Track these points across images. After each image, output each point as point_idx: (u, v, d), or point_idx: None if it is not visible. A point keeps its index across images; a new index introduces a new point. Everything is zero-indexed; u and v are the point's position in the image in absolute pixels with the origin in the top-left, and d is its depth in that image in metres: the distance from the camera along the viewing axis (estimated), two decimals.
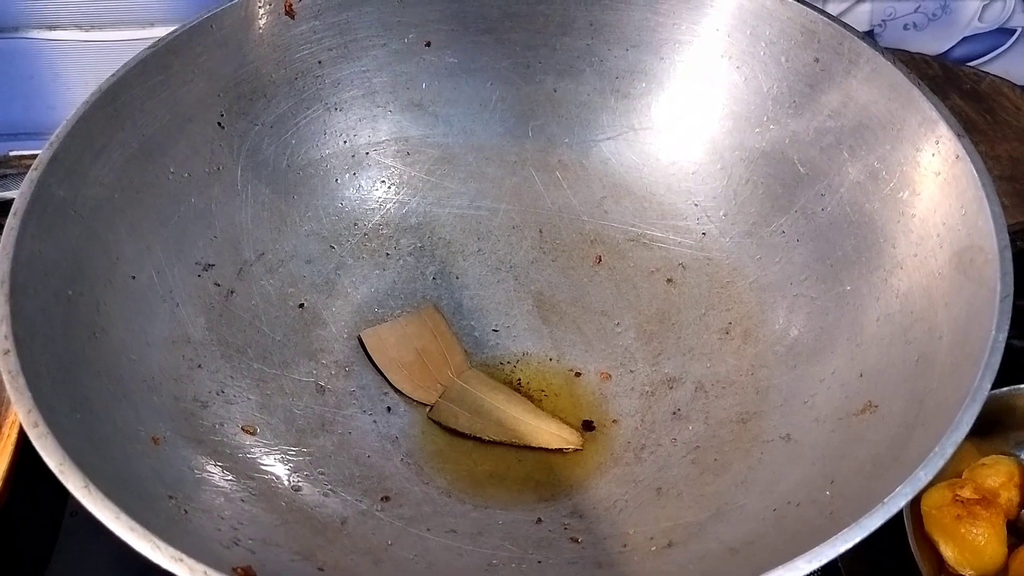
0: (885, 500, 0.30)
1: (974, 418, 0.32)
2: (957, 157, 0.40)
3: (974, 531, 0.43)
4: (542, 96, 0.53)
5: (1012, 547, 0.43)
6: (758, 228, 0.49)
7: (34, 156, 0.66)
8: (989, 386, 0.32)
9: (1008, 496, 0.45)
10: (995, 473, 0.46)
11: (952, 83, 0.68)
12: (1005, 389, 0.47)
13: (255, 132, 0.49)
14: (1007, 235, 0.37)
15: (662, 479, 0.42)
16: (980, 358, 0.33)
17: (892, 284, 0.42)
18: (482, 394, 0.46)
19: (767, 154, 0.48)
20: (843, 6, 0.70)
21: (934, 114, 0.41)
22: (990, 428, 0.47)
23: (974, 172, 0.39)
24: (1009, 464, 0.46)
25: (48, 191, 0.39)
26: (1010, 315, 0.34)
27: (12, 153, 0.67)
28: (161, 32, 0.64)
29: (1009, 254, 0.36)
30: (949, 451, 0.31)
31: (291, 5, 0.48)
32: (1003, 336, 0.34)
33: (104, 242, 0.41)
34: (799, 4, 0.46)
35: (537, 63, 0.52)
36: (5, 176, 0.64)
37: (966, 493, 0.44)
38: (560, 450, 0.45)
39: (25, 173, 0.65)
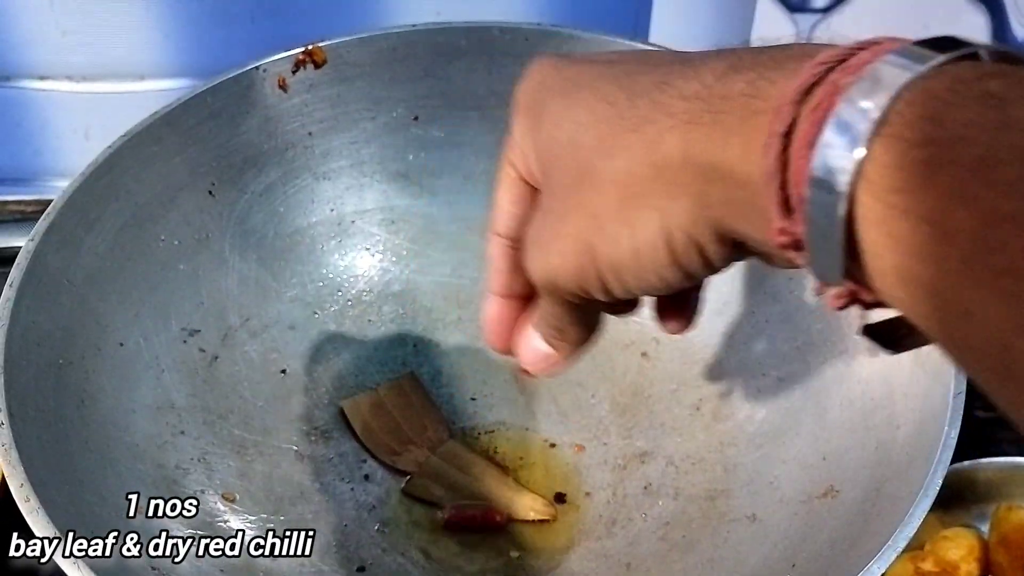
0: None
1: (926, 512, 0.33)
2: None
3: None
4: None
5: None
6: (728, 308, 0.50)
7: (19, 202, 0.67)
8: (940, 481, 0.34)
9: (968, 569, 0.46)
10: (956, 546, 0.47)
11: None
12: (967, 463, 0.48)
13: (244, 200, 0.50)
14: None
15: (632, 555, 0.43)
16: (933, 454, 0.35)
17: (855, 370, 0.44)
18: (457, 468, 0.47)
19: None
20: (815, 19, 0.72)
21: None
22: (952, 501, 0.49)
23: None
24: (970, 537, 0.48)
25: (44, 261, 0.40)
26: (962, 412, 0.36)
27: None
28: (152, 86, 0.66)
29: None
30: (901, 544, 0.32)
31: (284, 80, 0.50)
32: (955, 432, 0.35)
33: (95, 310, 0.42)
34: None
35: None
36: None
37: (927, 566, 0.46)
38: (533, 521, 0.46)
39: (10, 220, 0.66)
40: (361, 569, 0.43)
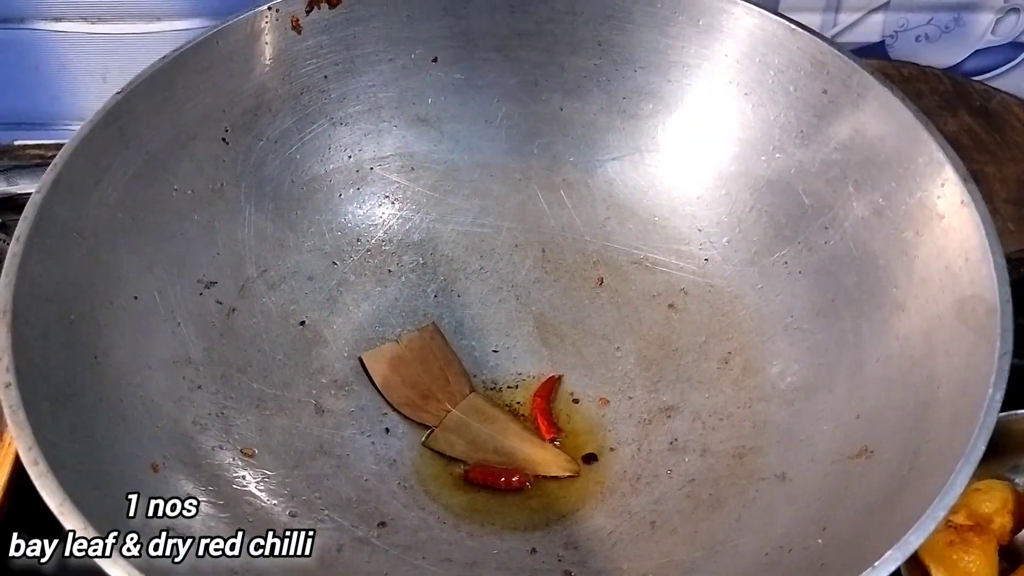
0: (876, 564, 0.30)
1: (968, 479, 0.32)
2: (962, 203, 0.40)
3: (966, 558, 0.43)
4: (549, 114, 0.52)
5: (1003, 573, 0.43)
6: (761, 257, 0.48)
7: (38, 146, 0.67)
8: (984, 446, 0.33)
9: (1001, 522, 0.45)
10: (989, 499, 0.46)
11: (962, 99, 0.67)
12: (1002, 415, 0.46)
13: (259, 147, 0.49)
14: (1009, 288, 0.37)
15: (657, 512, 0.42)
16: (976, 417, 0.33)
17: (892, 325, 0.42)
18: (479, 423, 0.46)
19: (772, 183, 0.48)
20: (855, 16, 0.70)
21: (941, 156, 0.41)
22: (986, 452, 0.47)
23: (979, 219, 0.39)
24: (1004, 490, 0.46)
25: (52, 213, 0.39)
26: (1008, 373, 0.34)
27: (17, 143, 0.67)
28: (168, 26, 0.64)
29: (1011, 308, 0.36)
30: (940, 515, 0.31)
31: (298, 20, 0.48)
32: (1000, 395, 0.34)
33: (106, 263, 0.42)
34: (810, 35, 0.46)
35: (545, 81, 0.52)
36: (9, 169, 0.64)
37: (959, 519, 0.44)
38: (556, 477, 0.45)
39: (29, 165, 0.66)
40: (382, 524, 0.42)
